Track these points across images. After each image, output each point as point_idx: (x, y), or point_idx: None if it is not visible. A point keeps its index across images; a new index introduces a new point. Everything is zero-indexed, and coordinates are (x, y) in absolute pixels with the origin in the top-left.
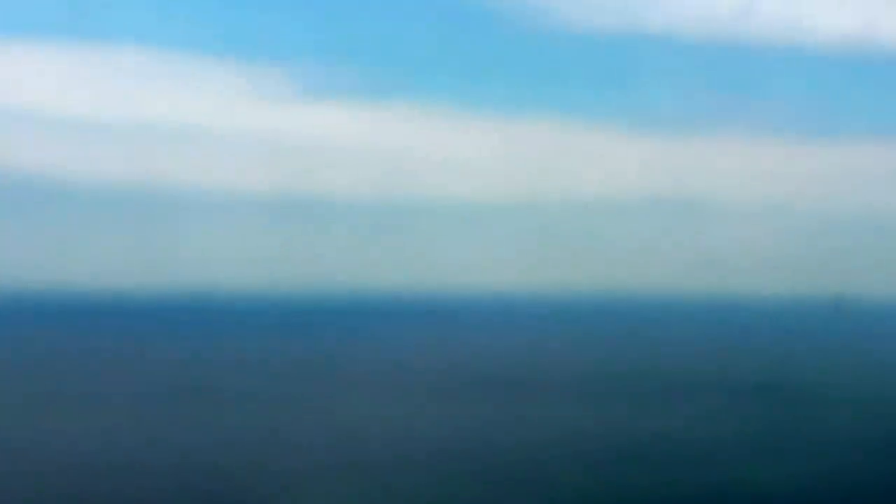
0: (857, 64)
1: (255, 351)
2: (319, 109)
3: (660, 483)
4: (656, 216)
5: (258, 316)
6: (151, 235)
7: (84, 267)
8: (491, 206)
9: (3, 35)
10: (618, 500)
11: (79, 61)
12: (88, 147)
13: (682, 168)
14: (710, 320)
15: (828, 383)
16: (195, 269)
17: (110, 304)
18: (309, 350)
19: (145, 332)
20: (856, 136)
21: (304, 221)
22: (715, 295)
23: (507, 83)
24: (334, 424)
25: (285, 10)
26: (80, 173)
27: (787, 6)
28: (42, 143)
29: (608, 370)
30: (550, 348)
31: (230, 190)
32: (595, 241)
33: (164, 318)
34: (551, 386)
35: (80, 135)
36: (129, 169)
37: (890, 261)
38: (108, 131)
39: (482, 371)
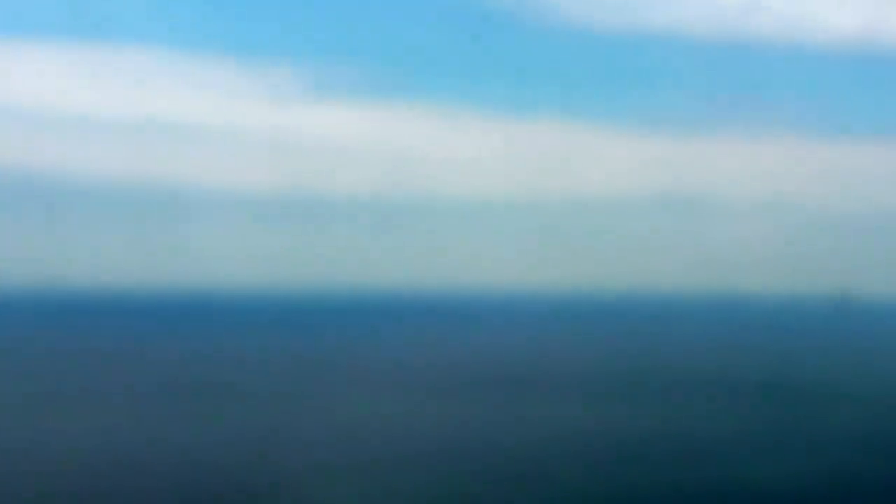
0: (864, 62)
1: (260, 348)
2: (324, 107)
3: (664, 481)
4: (661, 214)
5: (263, 313)
6: (155, 232)
7: (90, 264)
8: (496, 203)
9: (10, 34)
10: (622, 498)
11: (84, 60)
12: (93, 144)
13: (687, 166)
14: (716, 318)
15: (833, 382)
16: (198, 267)
17: (114, 301)
18: (314, 347)
19: (149, 330)
20: (862, 134)
21: (309, 219)
22: (721, 293)
23: (512, 82)
24: (337, 422)
25: (290, 9)
26: (85, 171)
27: (794, 4)
28: (48, 140)
29: (613, 368)
30: (555, 346)
31: (233, 187)
32: (599, 238)
33: (168, 315)
34: (555, 384)
35: (85, 132)
36: (132, 166)
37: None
38: (111, 129)
39: (487, 369)
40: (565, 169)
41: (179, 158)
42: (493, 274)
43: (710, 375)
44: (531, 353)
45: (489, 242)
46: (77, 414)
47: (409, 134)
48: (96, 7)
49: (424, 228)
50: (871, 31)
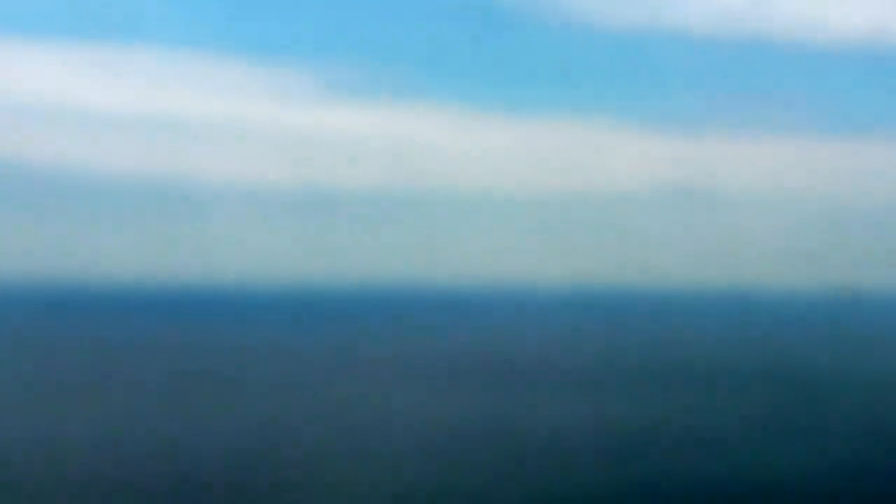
0: (870, 61)
1: (271, 341)
2: (333, 106)
3: (672, 472)
4: (669, 210)
5: (273, 306)
6: (167, 227)
7: (104, 259)
8: (507, 199)
9: (26, 34)
10: (630, 487)
11: (101, 59)
12: (109, 141)
13: (695, 162)
14: (724, 311)
15: (839, 373)
16: (209, 260)
17: (126, 295)
18: (325, 339)
19: (160, 323)
20: (869, 131)
21: (318, 215)
22: (729, 287)
23: (522, 80)
24: (346, 413)
25: (299, 10)
26: (99, 166)
27: (802, 3)
28: (64, 137)
29: (622, 361)
30: (564, 339)
31: (243, 184)
32: (609, 234)
33: (180, 308)
34: (564, 377)
35: (101, 129)
36: (145, 162)
37: None
38: (126, 126)
39: (497, 362)
40: (575, 165)
41: (190, 155)
42: (506, 268)
43: (718, 367)
44: (544, 345)
45: (501, 237)
46: (91, 405)
47: (418, 132)
48: (114, 8)
49: (435, 224)
50: (878, 30)
